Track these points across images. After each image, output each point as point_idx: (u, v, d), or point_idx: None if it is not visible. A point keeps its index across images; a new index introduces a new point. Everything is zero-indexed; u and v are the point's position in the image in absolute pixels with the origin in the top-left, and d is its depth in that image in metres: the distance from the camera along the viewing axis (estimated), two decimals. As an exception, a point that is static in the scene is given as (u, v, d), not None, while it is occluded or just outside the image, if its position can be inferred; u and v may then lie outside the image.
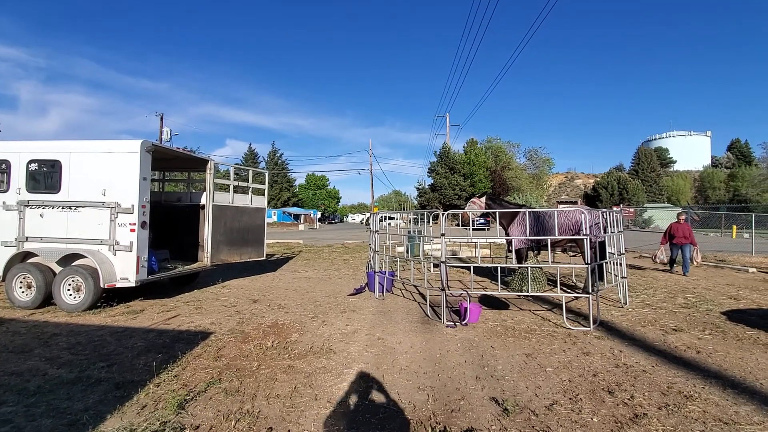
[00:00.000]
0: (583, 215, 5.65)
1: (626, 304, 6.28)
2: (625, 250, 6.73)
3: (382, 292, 7.07)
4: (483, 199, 7.62)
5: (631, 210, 41.98)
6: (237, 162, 59.02)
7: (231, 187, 8.19)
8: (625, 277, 6.37)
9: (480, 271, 9.56)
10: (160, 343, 4.52)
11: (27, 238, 6.24)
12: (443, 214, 5.78)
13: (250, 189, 8.69)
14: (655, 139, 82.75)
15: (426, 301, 6.08)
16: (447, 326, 5.17)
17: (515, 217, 7.19)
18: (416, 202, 64.19)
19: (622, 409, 3.04)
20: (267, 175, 9.42)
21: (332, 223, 71.02)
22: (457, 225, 31.75)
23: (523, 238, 6.64)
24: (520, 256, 6.95)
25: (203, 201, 7.84)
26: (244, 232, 8.42)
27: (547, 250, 5.97)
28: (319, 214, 66.39)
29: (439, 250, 12.44)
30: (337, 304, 6.57)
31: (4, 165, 6.45)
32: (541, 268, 6.47)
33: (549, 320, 5.54)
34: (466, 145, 54.37)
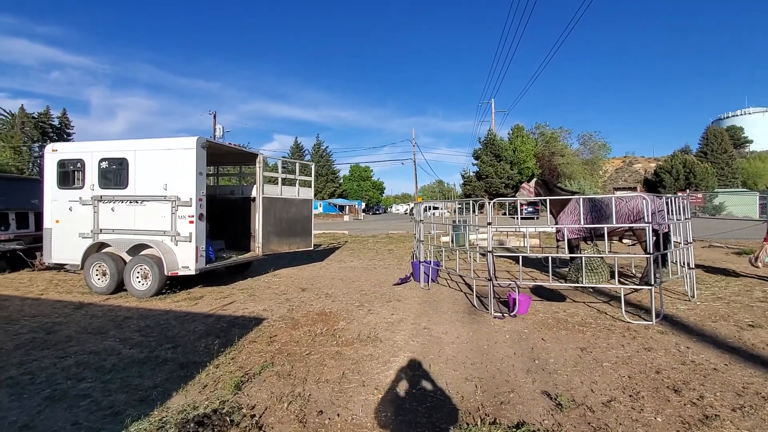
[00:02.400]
0: (644, 201, 5.25)
1: (694, 297, 5.79)
2: (693, 239, 6.19)
3: (428, 282, 7.04)
4: (533, 183, 7.28)
5: (699, 196, 38.53)
6: (284, 155, 61.03)
7: (279, 180, 8.47)
8: (693, 268, 5.87)
9: (529, 262, 9.22)
10: (218, 328, 4.81)
11: (101, 230, 6.86)
12: (489, 203, 5.61)
13: (297, 181, 8.94)
14: (727, 117, 75.09)
15: (472, 291, 5.98)
16: (495, 317, 5.05)
17: (566, 204, 6.83)
18: (460, 191, 63.07)
19: (690, 409, 2.82)
20: (313, 167, 9.64)
21: (376, 214, 71.64)
22: (504, 214, 30.83)
23: (576, 226, 6.29)
24: (572, 247, 6.60)
25: (254, 193, 8.19)
26: (292, 223, 8.70)
27: (603, 239, 5.61)
28: (363, 205, 67.23)
29: (485, 240, 12.16)
30: (382, 293, 6.64)
31: (79, 164, 7.10)
32: (602, 258, 6.11)
33: (605, 313, 5.25)
34: (511, 132, 52.34)
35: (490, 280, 5.24)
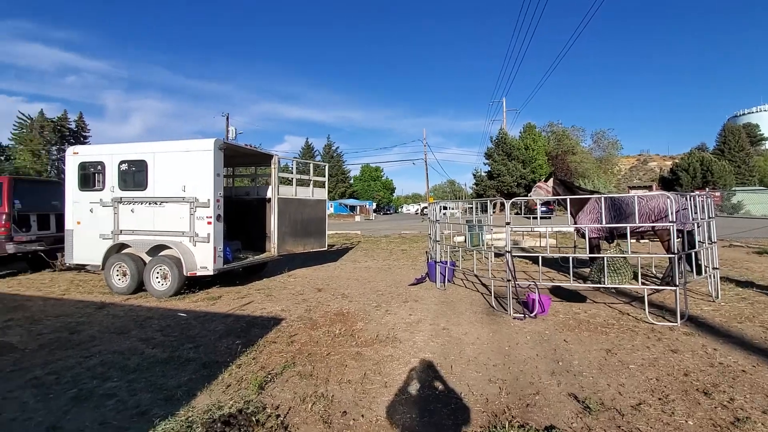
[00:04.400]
0: (668, 200, 5.14)
1: (718, 297, 5.65)
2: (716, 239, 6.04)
3: (444, 283, 7.00)
4: (550, 182, 7.17)
5: (717, 194, 37.65)
6: (295, 156, 61.43)
7: (294, 181, 8.51)
8: (717, 268, 5.73)
9: (545, 262, 9.11)
10: (237, 328, 4.84)
11: (121, 231, 6.97)
12: (507, 203, 5.55)
13: (312, 182, 8.98)
14: (743, 114, 73.36)
15: (490, 291, 5.93)
16: (514, 318, 5.00)
17: (585, 203, 6.72)
18: (471, 191, 62.67)
19: (721, 412, 2.74)
20: (327, 168, 9.67)
21: (387, 214, 71.68)
22: (517, 213, 30.53)
23: (597, 225, 6.19)
24: (593, 247, 6.49)
25: (269, 194, 8.24)
26: (307, 223, 8.74)
27: (625, 239, 5.51)
28: (374, 205, 67.30)
29: (500, 240, 12.07)
30: (398, 293, 6.62)
31: (99, 166, 7.22)
32: (625, 258, 6.00)
33: (628, 314, 5.15)
34: (522, 131, 51.85)
35: (510, 280, 5.18)
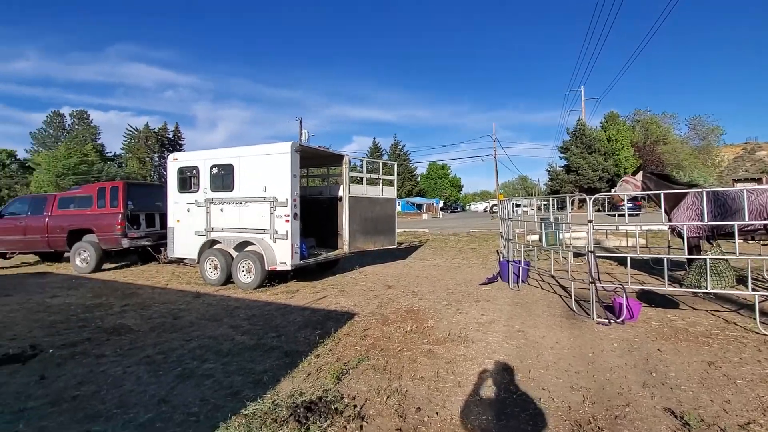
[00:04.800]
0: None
1: None
2: None
3: (517, 283, 6.72)
4: (639, 176, 6.53)
5: None
6: (362, 156, 62.99)
7: (364, 180, 8.74)
8: None
9: (634, 263, 8.32)
10: (314, 320, 5.12)
11: (212, 228, 7.72)
12: (589, 199, 5.16)
13: (381, 180, 9.15)
14: None
15: (569, 294, 5.57)
16: (598, 323, 4.64)
17: (681, 199, 6.02)
18: (545, 187, 59.15)
19: None
20: (395, 166, 9.78)
21: (455, 212, 70.55)
22: (599, 210, 28.25)
23: (696, 224, 5.51)
24: (691, 247, 5.80)
25: (340, 193, 8.56)
26: (376, 221, 8.93)
27: (731, 238, 4.84)
28: (441, 203, 66.62)
29: (579, 239, 11.26)
30: (469, 292, 6.49)
31: (195, 170, 8.06)
32: (726, 260, 5.30)
33: (735, 323, 4.52)
34: (604, 120, 47.71)
35: (593, 282, 4.82)
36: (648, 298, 5.63)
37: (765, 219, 5.29)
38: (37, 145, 59.12)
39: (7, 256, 10.85)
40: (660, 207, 6.33)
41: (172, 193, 8.32)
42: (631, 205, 24.15)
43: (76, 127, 61.36)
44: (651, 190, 6.40)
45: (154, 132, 57.77)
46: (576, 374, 3.38)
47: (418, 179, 74.36)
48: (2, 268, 10.57)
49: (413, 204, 60.72)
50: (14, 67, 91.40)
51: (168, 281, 8.08)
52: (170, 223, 8.37)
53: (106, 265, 10.10)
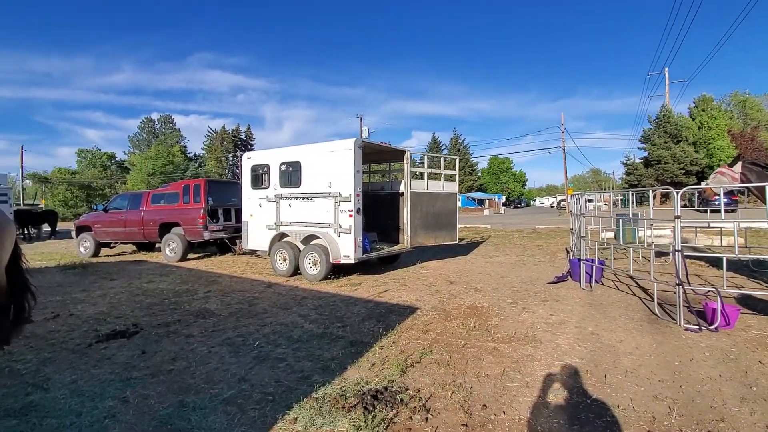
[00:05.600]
0: None
1: None
2: None
3: (590, 283, 6.30)
4: (737, 167, 5.78)
5: None
6: (422, 151, 62.61)
7: (425, 175, 8.71)
8: None
9: (730, 265, 7.40)
10: (377, 313, 5.23)
11: (282, 222, 8.18)
12: (677, 193, 4.68)
13: (442, 175, 9.05)
14: None
15: (650, 296, 5.11)
16: (686, 329, 4.21)
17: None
18: (620, 181, 54.49)
19: None
20: (457, 161, 9.62)
21: (518, 208, 67.64)
22: (685, 206, 25.48)
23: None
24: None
25: (402, 189, 8.61)
26: (438, 216, 8.87)
27: None
28: (503, 198, 64.24)
29: (660, 237, 10.25)
30: (536, 291, 6.22)
31: (266, 168, 8.58)
32: None
33: None
34: (694, 105, 42.64)
35: (680, 284, 4.37)
36: (748, 304, 4.99)
37: None
38: (133, 148, 66.76)
39: (111, 245, 12.40)
40: (763, 202, 5.56)
41: (246, 190, 8.94)
42: (726, 199, 21.47)
43: (164, 130, 68.25)
44: (752, 182, 5.64)
45: (229, 133, 62.39)
46: (660, 383, 3.10)
47: (479, 174, 72.30)
48: (109, 256, 12.10)
49: (474, 199, 59.21)
50: (113, 80, 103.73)
51: (243, 271, 8.72)
52: (245, 217, 9.00)
53: (190, 255, 11.14)
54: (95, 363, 3.74)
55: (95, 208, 12.68)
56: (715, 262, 7.51)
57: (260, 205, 8.60)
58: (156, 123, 69.55)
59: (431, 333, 4.38)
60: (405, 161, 8.46)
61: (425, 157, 9.22)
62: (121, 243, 12.30)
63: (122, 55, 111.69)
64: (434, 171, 9.03)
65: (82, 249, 11.94)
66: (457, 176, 9.60)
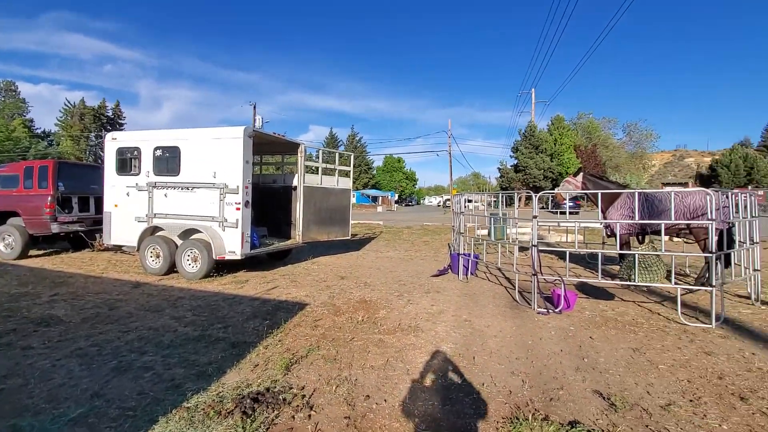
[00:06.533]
0: (708, 197, 4.92)
1: (758, 300, 5.40)
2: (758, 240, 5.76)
3: (466, 275, 6.97)
4: (579, 177, 6.99)
5: (761, 193, 35.56)
6: (319, 145, 61.91)
7: (319, 169, 8.60)
8: (758, 270, 5.46)
9: (572, 258, 8.91)
10: (264, 311, 4.99)
11: (155, 214, 7.26)
12: (535, 196, 5.45)
13: (337, 171, 9.06)
14: (796, 107, 68.61)
15: (513, 285, 5.86)
16: (538, 313, 4.94)
17: (615, 198, 6.52)
18: (495, 184, 61.53)
19: (760, 418, 2.64)
20: (352, 157, 9.72)
21: (409, 205, 71.47)
22: (543, 208, 29.87)
23: (627, 222, 6.00)
24: (623, 243, 6.31)
25: (295, 182, 8.37)
26: (331, 212, 8.85)
27: (658, 236, 5.32)
28: (396, 196, 67.22)
29: (525, 234, 11.85)
30: (420, 284, 6.64)
31: (136, 152, 7.51)
32: (658, 255, 5.82)
33: (658, 314, 4.99)
34: (551, 123, 50.37)
35: (535, 274, 5.11)
36: (585, 290, 6.06)
37: (689, 219, 5.85)
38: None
39: None
40: (597, 206, 6.82)
41: (110, 176, 7.71)
42: (571, 203, 25.78)
43: (2, 98, 54.97)
44: (590, 190, 6.87)
45: (92, 109, 52.95)
46: (516, 360, 3.57)
47: (374, 172, 74.41)
48: None
49: (368, 196, 60.75)
50: None
51: (103, 270, 7.51)
52: (107, 207, 7.76)
53: (33, 252, 9.20)
54: None
55: None
56: (562, 255, 8.97)
57: (128, 194, 7.50)
58: (-11, 88, 55.63)
59: (320, 329, 4.34)
60: (299, 155, 8.23)
61: (320, 151, 9.11)
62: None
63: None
64: (329, 166, 8.99)
65: None
66: (352, 173, 9.70)
